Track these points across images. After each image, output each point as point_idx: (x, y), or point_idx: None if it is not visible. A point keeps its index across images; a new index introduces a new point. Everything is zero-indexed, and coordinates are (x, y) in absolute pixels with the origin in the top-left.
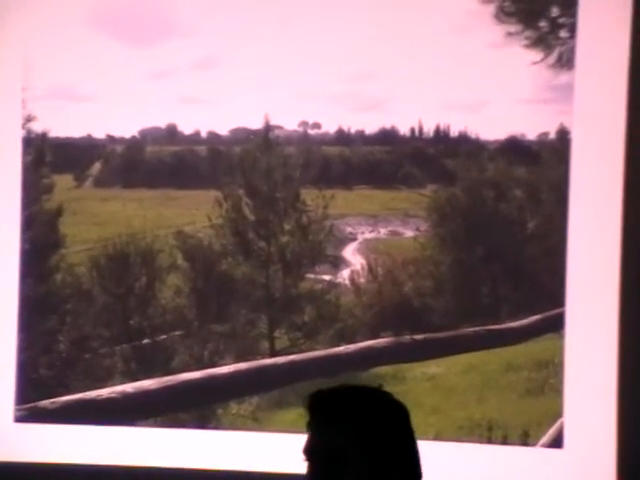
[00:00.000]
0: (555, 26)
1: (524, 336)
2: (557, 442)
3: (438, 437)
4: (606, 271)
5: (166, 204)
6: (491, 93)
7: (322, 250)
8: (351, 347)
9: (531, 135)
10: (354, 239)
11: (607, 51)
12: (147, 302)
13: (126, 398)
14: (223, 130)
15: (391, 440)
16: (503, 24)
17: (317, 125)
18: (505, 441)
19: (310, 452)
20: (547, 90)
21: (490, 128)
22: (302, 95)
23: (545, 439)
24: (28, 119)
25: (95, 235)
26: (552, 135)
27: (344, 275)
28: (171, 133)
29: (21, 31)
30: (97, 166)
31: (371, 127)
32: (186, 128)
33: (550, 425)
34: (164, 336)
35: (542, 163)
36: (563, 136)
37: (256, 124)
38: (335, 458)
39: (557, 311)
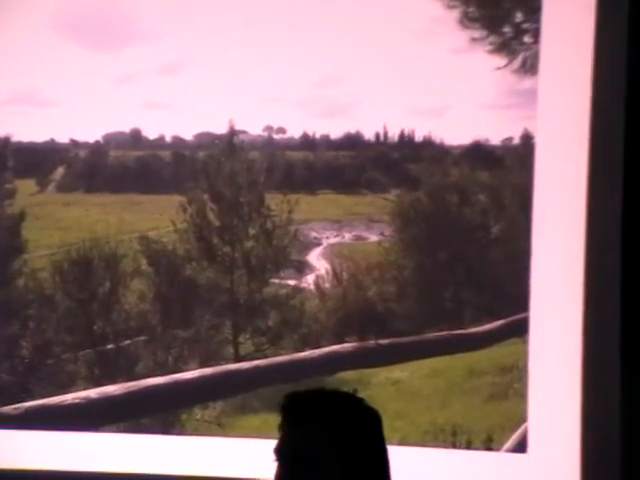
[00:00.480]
0: (519, 31)
1: (488, 341)
2: (521, 447)
3: (403, 442)
4: (570, 276)
5: (130, 209)
6: (455, 98)
7: (287, 255)
8: (316, 352)
9: (495, 140)
10: (319, 244)
11: (571, 56)
12: (111, 307)
13: (90, 404)
14: (188, 135)
15: (363, 444)
16: (467, 29)
17: (282, 130)
18: (469, 446)
19: (281, 452)
20: (511, 95)
21: (454, 133)
22: (267, 100)
23: (509, 444)
24: None
25: (58, 240)
26: (516, 140)
27: (309, 280)
28: (135, 138)
29: None
30: (60, 171)
31: (336, 132)
32: (150, 133)
33: (514, 430)
34: (128, 341)
35: (506, 168)
36: (527, 141)
37: (221, 129)
38: (306, 458)
39: (521, 316)
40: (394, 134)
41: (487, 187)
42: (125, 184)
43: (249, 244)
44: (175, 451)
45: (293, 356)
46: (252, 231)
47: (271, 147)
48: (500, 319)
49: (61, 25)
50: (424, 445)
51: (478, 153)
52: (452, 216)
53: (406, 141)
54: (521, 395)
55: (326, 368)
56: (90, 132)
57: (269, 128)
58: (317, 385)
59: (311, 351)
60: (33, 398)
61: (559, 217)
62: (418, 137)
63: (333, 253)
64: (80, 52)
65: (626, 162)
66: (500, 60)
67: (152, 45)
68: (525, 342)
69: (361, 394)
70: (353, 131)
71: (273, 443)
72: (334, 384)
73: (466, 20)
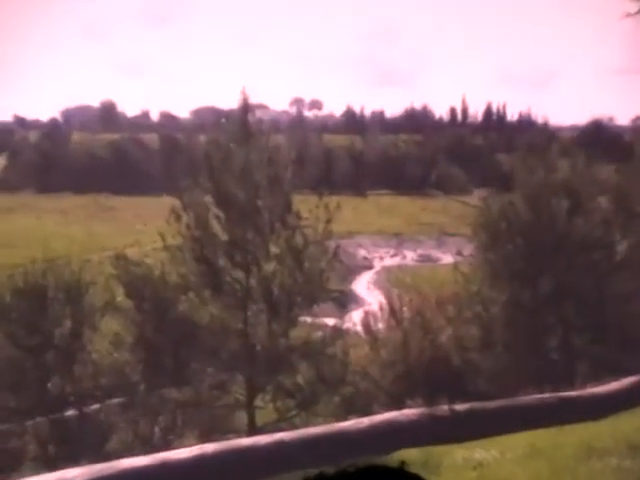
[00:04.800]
0: None
1: (611, 408)
2: None
3: None
4: None
5: (100, 216)
6: (566, 61)
7: (323, 283)
8: (364, 421)
9: (623, 119)
10: (369, 267)
11: None
12: (72, 357)
13: None
14: (182, 111)
15: None
16: None
17: (317, 104)
18: None
19: None
20: None
21: (564, 109)
22: (295, 60)
23: None
24: None
25: None
26: None
27: (354, 318)
28: (107, 115)
29: None
30: (0, 161)
31: (394, 107)
32: (129, 107)
33: None
34: (96, 406)
35: (638, 159)
36: None
37: (230, 102)
38: None
39: None
40: (476, 111)
41: (611, 187)
42: (93, 181)
43: (270, 267)
44: None
45: (332, 427)
46: (275, 249)
47: (301, 128)
48: (629, 376)
49: None
50: None
51: (598, 138)
52: (560, 229)
53: (494, 120)
54: None
55: (379, 444)
56: (44, 106)
57: (298, 101)
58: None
59: (358, 420)
60: None
61: None
62: (512, 115)
63: (389, 280)
64: None
65: None
66: (632, 3)
67: None
68: None
69: None
70: (418, 106)
71: None
72: None
73: None
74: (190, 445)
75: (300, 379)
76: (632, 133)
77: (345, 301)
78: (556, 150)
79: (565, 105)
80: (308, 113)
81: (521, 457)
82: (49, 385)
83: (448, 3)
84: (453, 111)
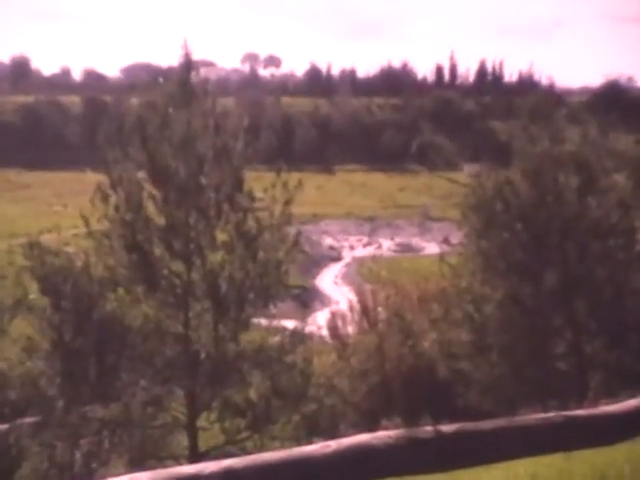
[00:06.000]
0: None
1: (629, 429)
2: None
3: None
4: None
5: (10, 196)
6: (573, 6)
7: (281, 277)
8: (331, 445)
9: None
10: (337, 258)
11: None
12: None
13: None
14: (111, 67)
15: None
16: None
17: (274, 61)
18: None
19: None
20: None
21: (572, 67)
22: (248, 8)
23: None
24: None
25: None
26: None
27: (319, 320)
28: (20, 72)
29: None
30: None
31: (368, 64)
32: (47, 63)
33: None
34: (4, 426)
35: None
36: None
37: (168, 58)
38: None
39: None
40: (467, 69)
41: (630, 161)
42: (2, 153)
43: (216, 258)
44: None
45: (291, 452)
46: (222, 236)
47: (256, 90)
48: None
49: None
50: None
51: (614, 101)
52: (568, 211)
53: (489, 80)
54: None
55: (348, 473)
56: None
57: (252, 57)
58: None
59: (323, 444)
60: None
61: None
62: (510, 74)
63: (361, 274)
64: None
65: None
66: None
67: None
68: None
69: None
70: (397, 63)
71: None
72: None
73: None
74: (118, 474)
75: (253, 394)
76: None
77: (308, 299)
78: (564, 116)
79: (573, 62)
80: (264, 71)
81: None
82: None
83: None
84: (439, 70)
